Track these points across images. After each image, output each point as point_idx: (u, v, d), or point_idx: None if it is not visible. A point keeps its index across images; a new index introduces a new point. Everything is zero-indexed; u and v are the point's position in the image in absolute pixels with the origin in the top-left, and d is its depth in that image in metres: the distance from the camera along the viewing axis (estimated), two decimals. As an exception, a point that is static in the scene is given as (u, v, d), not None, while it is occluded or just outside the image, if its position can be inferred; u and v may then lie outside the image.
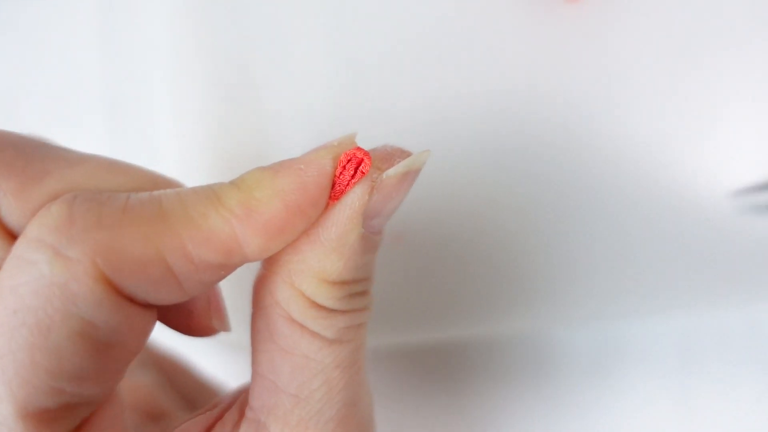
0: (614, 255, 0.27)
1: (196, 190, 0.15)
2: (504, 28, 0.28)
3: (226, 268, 0.15)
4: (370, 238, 0.16)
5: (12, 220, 0.15)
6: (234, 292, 0.21)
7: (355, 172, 0.16)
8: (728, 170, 0.27)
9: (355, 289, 0.17)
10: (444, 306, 0.28)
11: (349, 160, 0.16)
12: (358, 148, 0.16)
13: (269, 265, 0.16)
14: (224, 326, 0.19)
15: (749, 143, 0.27)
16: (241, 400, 0.18)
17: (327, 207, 0.16)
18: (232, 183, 0.15)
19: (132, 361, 0.15)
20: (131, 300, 0.14)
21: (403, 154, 0.17)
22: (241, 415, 0.17)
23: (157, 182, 0.17)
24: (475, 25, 0.28)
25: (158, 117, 0.30)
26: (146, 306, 0.15)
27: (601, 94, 0.27)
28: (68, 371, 0.14)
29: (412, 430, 0.30)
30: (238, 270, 0.16)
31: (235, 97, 0.29)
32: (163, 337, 0.22)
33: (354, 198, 0.16)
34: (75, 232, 0.14)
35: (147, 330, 0.15)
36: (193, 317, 0.18)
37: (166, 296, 0.15)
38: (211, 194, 0.15)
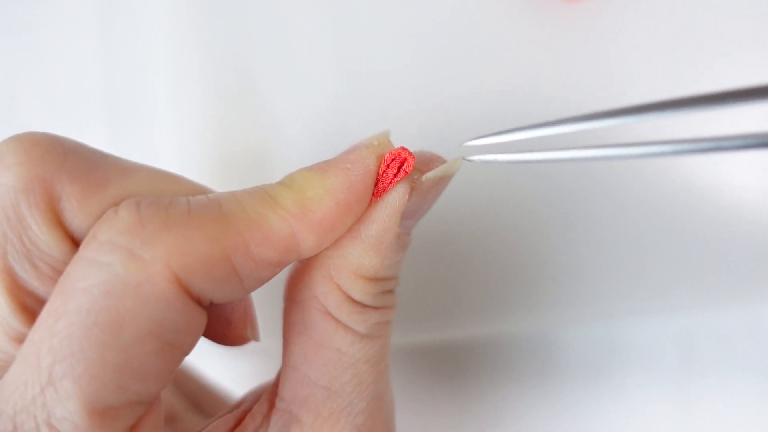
0: (616, 256, 0.27)
1: (250, 192, 0.16)
2: (504, 30, 0.28)
3: (281, 265, 0.16)
4: (403, 238, 0.17)
5: (74, 223, 0.15)
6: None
7: (398, 171, 0.17)
8: (729, 171, 0.27)
9: (387, 286, 0.17)
10: (448, 306, 0.28)
11: (393, 159, 0.17)
12: (403, 148, 0.17)
13: (307, 260, 0.17)
14: (256, 336, 0.19)
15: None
16: (269, 392, 0.18)
17: (370, 204, 0.17)
18: (282, 184, 0.16)
19: (183, 360, 0.16)
20: (196, 299, 0.15)
21: (439, 159, 0.17)
22: (271, 406, 0.17)
23: (203, 191, 0.17)
24: (475, 27, 0.28)
25: (158, 118, 0.30)
26: (204, 307, 0.15)
27: (601, 94, 0.27)
28: (135, 370, 0.14)
29: (417, 427, 0.30)
30: None
31: (235, 98, 0.29)
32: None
33: (396, 196, 0.16)
34: (147, 235, 0.14)
35: (201, 330, 0.15)
36: (230, 326, 0.19)
37: (229, 294, 0.15)
38: (265, 195, 0.16)
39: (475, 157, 0.17)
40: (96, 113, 0.32)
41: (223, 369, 0.29)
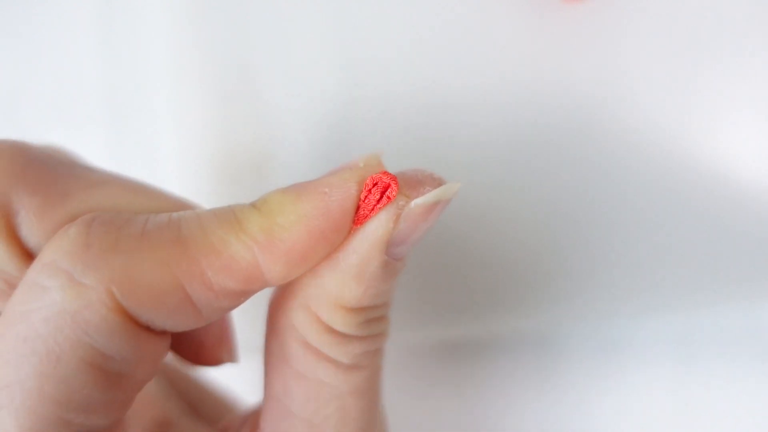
0: (616, 255, 0.27)
1: (216, 213, 0.15)
2: (503, 30, 0.28)
3: (245, 294, 0.15)
4: (392, 265, 0.16)
5: (31, 239, 0.15)
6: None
7: (381, 196, 0.15)
8: (729, 170, 0.27)
9: (373, 314, 0.16)
10: (449, 303, 0.28)
11: (375, 184, 0.15)
12: (385, 173, 0.15)
13: (286, 285, 0.16)
14: (233, 357, 0.19)
15: (750, 144, 0.27)
16: (250, 422, 0.17)
17: (350, 231, 0.15)
18: (253, 206, 0.15)
19: (141, 389, 0.15)
20: (146, 328, 0.14)
21: (434, 181, 0.16)
22: None
23: (178, 206, 0.16)
24: (475, 27, 0.28)
25: (158, 118, 0.30)
26: (160, 333, 0.14)
27: (601, 94, 0.27)
28: (77, 402, 0.13)
29: (418, 424, 0.30)
30: None
31: (235, 97, 0.29)
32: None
33: (377, 225, 0.15)
34: (90, 258, 0.13)
35: (160, 358, 0.15)
36: (204, 349, 0.18)
37: (183, 323, 0.14)
38: (232, 218, 0.14)
39: None
40: (96, 113, 0.32)
41: (226, 366, 0.29)
